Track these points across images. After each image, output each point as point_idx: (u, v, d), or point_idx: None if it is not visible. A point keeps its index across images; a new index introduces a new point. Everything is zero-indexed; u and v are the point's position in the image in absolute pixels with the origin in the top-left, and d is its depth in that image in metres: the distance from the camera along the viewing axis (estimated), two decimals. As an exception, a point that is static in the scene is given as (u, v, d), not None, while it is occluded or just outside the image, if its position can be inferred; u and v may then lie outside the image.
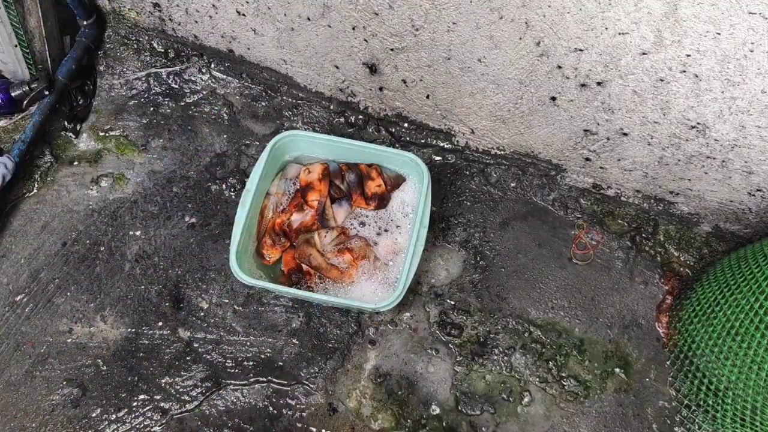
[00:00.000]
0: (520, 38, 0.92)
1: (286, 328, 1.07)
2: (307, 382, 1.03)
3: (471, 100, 1.10)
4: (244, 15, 1.14)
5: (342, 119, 1.29)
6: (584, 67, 0.92)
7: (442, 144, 1.25)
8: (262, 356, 1.04)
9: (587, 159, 1.14)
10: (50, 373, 1.01)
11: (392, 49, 1.06)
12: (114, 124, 1.27)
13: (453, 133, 1.22)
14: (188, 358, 1.03)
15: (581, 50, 0.89)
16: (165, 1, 1.21)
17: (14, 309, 1.06)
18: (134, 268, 1.11)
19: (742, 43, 0.78)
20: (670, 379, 1.06)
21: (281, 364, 1.04)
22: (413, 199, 1.13)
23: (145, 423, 0.98)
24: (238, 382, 1.02)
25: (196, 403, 1.00)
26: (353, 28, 1.05)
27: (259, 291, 1.09)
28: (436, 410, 1.01)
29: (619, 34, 0.84)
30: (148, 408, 0.99)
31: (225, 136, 1.26)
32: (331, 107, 1.29)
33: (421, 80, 1.11)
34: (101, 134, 1.26)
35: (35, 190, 1.18)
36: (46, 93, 1.20)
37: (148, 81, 1.32)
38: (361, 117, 1.28)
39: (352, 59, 1.13)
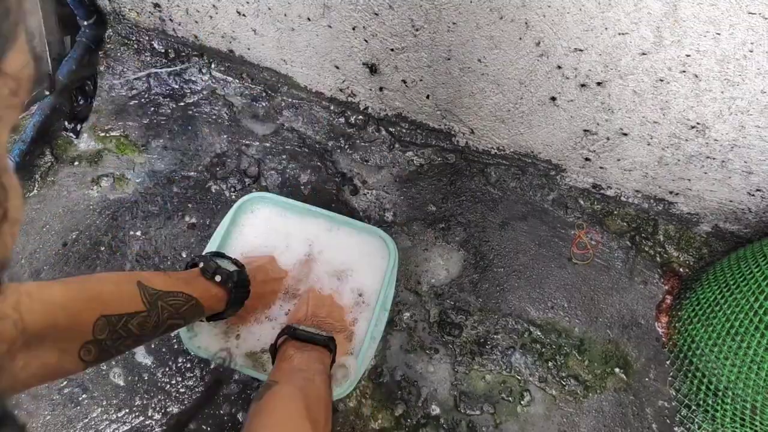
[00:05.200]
0: (520, 38, 0.92)
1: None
2: (307, 382, 1.03)
3: (471, 100, 1.10)
4: (244, 15, 1.14)
5: (342, 119, 1.29)
6: (584, 67, 0.92)
7: (441, 144, 1.26)
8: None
9: (587, 159, 1.14)
10: (51, 373, 1.01)
11: (392, 50, 1.06)
12: (114, 124, 1.27)
13: (453, 133, 1.22)
14: (188, 358, 1.03)
15: (581, 50, 0.90)
16: (165, 2, 1.21)
17: (15, 309, 1.06)
18: (134, 269, 1.11)
19: (742, 43, 0.78)
20: (669, 378, 1.06)
21: (281, 363, 1.04)
22: (373, 281, 1.00)
23: (146, 423, 0.98)
24: (237, 380, 1.02)
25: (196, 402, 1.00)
26: (353, 29, 1.05)
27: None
28: (436, 410, 1.01)
29: (619, 34, 0.84)
30: (148, 408, 0.99)
31: (225, 136, 1.27)
32: (332, 107, 1.29)
33: (421, 80, 1.11)
34: (101, 134, 1.26)
35: (35, 190, 1.18)
36: (47, 93, 1.20)
37: (149, 81, 1.32)
38: (361, 117, 1.28)
39: (353, 59, 1.13)
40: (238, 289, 0.80)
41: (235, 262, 0.85)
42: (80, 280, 0.56)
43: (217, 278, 0.76)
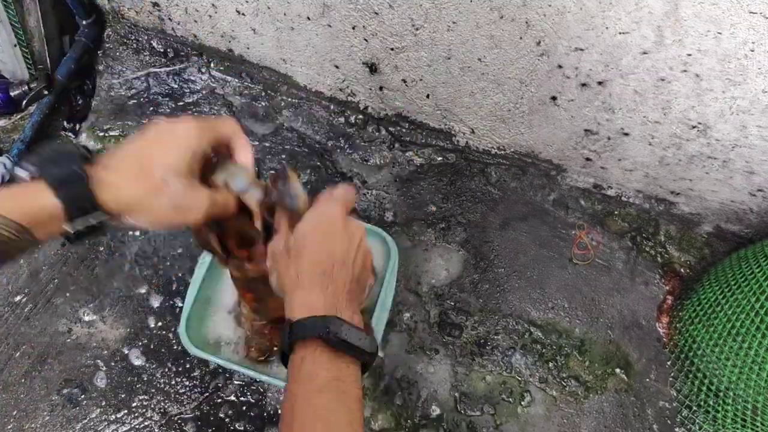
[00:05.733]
0: (521, 37, 0.92)
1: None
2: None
3: (471, 100, 1.10)
4: (243, 14, 1.14)
5: (342, 119, 1.28)
6: (585, 66, 0.92)
7: (442, 144, 1.25)
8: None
9: (588, 159, 1.13)
10: (49, 374, 1.01)
11: (392, 49, 1.06)
12: (113, 124, 1.26)
13: (453, 132, 1.22)
14: (187, 359, 1.03)
15: (582, 50, 0.89)
16: (164, 1, 1.20)
17: (13, 309, 1.06)
18: (134, 269, 1.11)
19: (743, 43, 0.77)
20: (670, 379, 1.06)
21: (281, 364, 1.03)
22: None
23: (145, 423, 0.98)
24: (237, 381, 1.01)
25: (195, 403, 0.99)
26: (353, 28, 1.05)
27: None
28: (436, 410, 1.01)
29: (620, 33, 0.84)
30: (147, 408, 0.99)
31: (225, 135, 1.26)
32: (331, 107, 1.29)
33: (421, 80, 1.10)
34: (100, 134, 1.25)
35: (34, 190, 1.18)
36: (46, 93, 1.20)
37: (148, 81, 1.32)
38: (361, 117, 1.28)
39: (352, 59, 1.13)
40: (67, 186, 0.46)
41: (70, 147, 0.52)
42: None
43: (22, 173, 0.47)
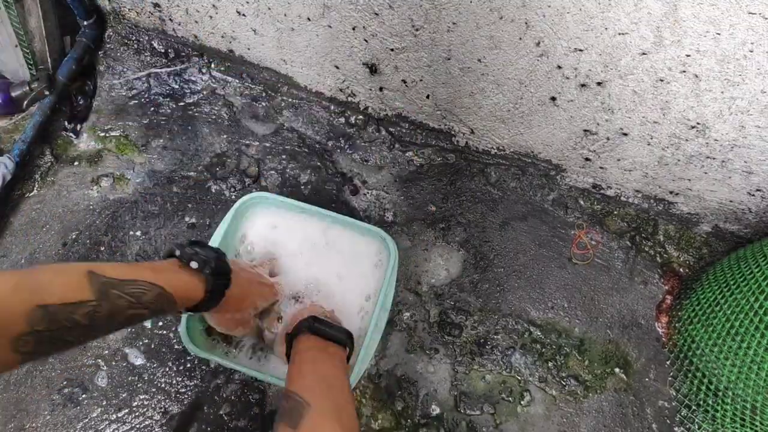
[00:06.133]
0: (520, 38, 0.92)
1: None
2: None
3: (471, 100, 1.10)
4: (244, 15, 1.14)
5: (342, 119, 1.29)
6: (584, 67, 0.92)
7: (442, 144, 1.26)
8: (262, 356, 1.04)
9: (587, 159, 1.14)
10: (50, 373, 1.01)
11: (392, 50, 1.06)
12: (114, 124, 1.27)
13: (453, 133, 1.22)
14: (187, 358, 1.03)
15: (581, 50, 0.90)
16: (165, 2, 1.21)
17: (14, 309, 1.06)
18: (134, 268, 1.11)
19: (742, 43, 0.78)
20: (669, 378, 1.06)
21: (281, 363, 1.04)
22: (373, 281, 1.01)
23: (146, 423, 0.98)
24: (237, 380, 1.02)
25: (196, 402, 1.00)
26: (353, 29, 1.05)
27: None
28: (436, 410, 1.01)
29: (619, 34, 0.84)
30: (148, 408, 0.99)
31: (225, 136, 1.27)
32: (332, 107, 1.29)
33: (421, 80, 1.11)
34: (101, 134, 1.26)
35: (35, 190, 1.18)
36: (47, 93, 1.20)
37: (149, 81, 1.32)
38: (361, 117, 1.28)
39: (352, 59, 1.13)
40: (217, 277, 0.74)
41: (216, 250, 0.78)
42: (19, 271, 0.54)
43: (193, 264, 0.71)
